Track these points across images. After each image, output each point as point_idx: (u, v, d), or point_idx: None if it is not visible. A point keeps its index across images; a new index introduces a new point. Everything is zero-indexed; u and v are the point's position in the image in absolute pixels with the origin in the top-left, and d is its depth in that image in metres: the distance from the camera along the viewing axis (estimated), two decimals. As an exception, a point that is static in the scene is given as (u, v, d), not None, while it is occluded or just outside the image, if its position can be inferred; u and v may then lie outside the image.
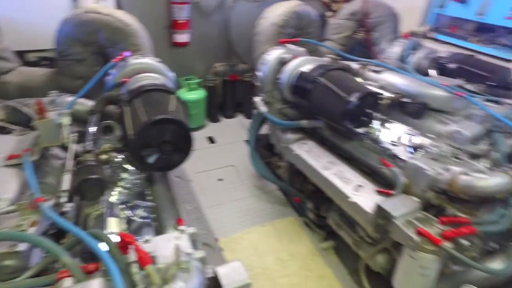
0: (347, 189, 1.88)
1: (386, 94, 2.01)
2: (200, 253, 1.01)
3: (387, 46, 3.04)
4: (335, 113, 1.85)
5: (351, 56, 2.46)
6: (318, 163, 2.13)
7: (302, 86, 2.05)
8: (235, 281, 1.13)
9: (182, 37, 3.48)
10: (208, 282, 1.13)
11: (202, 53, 3.83)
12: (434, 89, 1.94)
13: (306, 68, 2.10)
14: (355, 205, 1.80)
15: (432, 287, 1.48)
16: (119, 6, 3.00)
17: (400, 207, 1.52)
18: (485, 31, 3.09)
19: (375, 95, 1.88)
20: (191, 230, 1.09)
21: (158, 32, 3.39)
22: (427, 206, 1.62)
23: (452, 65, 2.52)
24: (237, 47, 3.83)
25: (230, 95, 4.03)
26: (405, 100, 1.90)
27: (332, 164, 2.08)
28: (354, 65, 2.35)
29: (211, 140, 3.77)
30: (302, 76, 2.06)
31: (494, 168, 1.39)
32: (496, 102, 1.96)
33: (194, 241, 1.08)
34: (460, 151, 1.57)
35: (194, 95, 3.66)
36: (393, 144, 1.87)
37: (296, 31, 2.94)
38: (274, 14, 2.83)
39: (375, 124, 2.01)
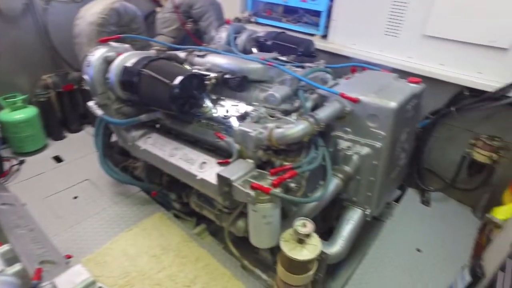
0: (193, 169, 1.97)
1: (212, 74, 2.17)
2: (15, 268, 0.93)
3: (215, 33, 3.24)
4: (164, 100, 1.89)
5: (178, 46, 2.54)
6: (164, 152, 2.17)
7: (129, 80, 2.02)
8: (76, 284, 1.08)
9: (-16, 49, 2.99)
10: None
11: (21, 65, 3.36)
12: (252, 63, 2.18)
13: (130, 62, 2.08)
14: (203, 181, 1.91)
15: (278, 231, 1.69)
16: None
17: (237, 171, 1.68)
18: (292, 12, 3.59)
19: (199, 76, 2.00)
20: (3, 248, 0.98)
21: None
22: (262, 164, 1.84)
23: (268, 42, 2.85)
24: (63, 53, 3.50)
25: (70, 108, 3.68)
26: (227, 76, 2.08)
27: (177, 150, 2.14)
28: (181, 54, 2.45)
29: (57, 159, 3.39)
30: (126, 70, 2.04)
31: (299, 118, 1.66)
32: (302, 67, 2.32)
33: (10, 258, 0.98)
34: (275, 111, 1.81)
35: (22, 114, 3.21)
36: (225, 117, 2.03)
37: (119, 29, 2.85)
38: (90, 13, 2.68)
39: (208, 103, 2.14)
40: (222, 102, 2.19)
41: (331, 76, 2.18)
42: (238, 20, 3.65)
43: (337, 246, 1.94)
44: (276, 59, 2.48)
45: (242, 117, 1.95)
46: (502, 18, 2.23)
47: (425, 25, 2.54)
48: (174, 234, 2.54)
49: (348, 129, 1.86)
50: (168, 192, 2.66)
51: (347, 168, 1.86)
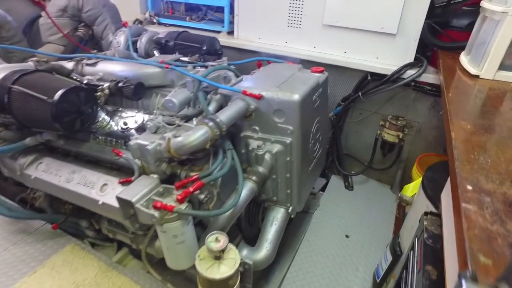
0: (93, 193, 1.73)
1: (105, 84, 1.93)
2: None
3: (112, 38, 2.95)
4: (45, 119, 1.62)
5: (62, 55, 2.25)
6: (60, 178, 1.88)
7: (-3, 100, 1.70)
8: None
9: None
10: None
11: None
12: (148, 67, 1.99)
13: (-3, 78, 1.75)
14: (105, 206, 1.68)
15: (195, 247, 1.54)
16: None
17: (139, 190, 1.49)
18: (195, 10, 3.44)
19: (86, 89, 1.75)
20: None
21: None
22: (171, 177, 1.68)
23: (170, 43, 2.67)
24: None
25: None
26: (121, 84, 1.86)
27: (75, 174, 1.87)
28: (68, 64, 2.16)
29: None
30: (-8, 89, 1.71)
31: (198, 123, 1.51)
32: (205, 67, 2.19)
33: None
34: (174, 118, 1.65)
35: None
36: (123, 131, 1.82)
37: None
38: None
39: (104, 116, 1.90)
40: (121, 114, 1.96)
41: (234, 73, 2.07)
42: (139, 21, 3.40)
43: (264, 250, 1.86)
44: (178, 60, 2.32)
45: (141, 129, 1.76)
46: (387, 5, 2.33)
47: (323, 15, 2.57)
48: (90, 266, 2.25)
49: (257, 128, 1.77)
50: (78, 220, 2.36)
51: (261, 169, 1.77)
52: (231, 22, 3.08)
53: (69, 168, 1.93)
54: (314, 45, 2.74)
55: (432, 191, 1.56)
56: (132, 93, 1.82)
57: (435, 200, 1.52)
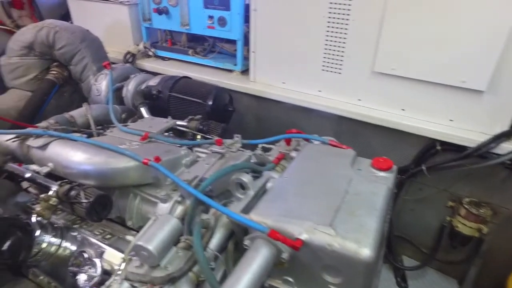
0: None
1: (53, 188, 1.25)
2: None
3: (93, 82, 2.28)
4: None
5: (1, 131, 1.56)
6: None
7: None
8: None
9: None
10: None
11: None
12: (119, 159, 1.30)
13: None
14: None
15: None
16: None
17: None
18: (200, 40, 2.75)
19: (12, 219, 1.07)
20: None
21: None
22: None
23: (163, 95, 1.99)
24: None
25: None
26: (72, 194, 1.17)
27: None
28: (10, 142, 1.49)
29: None
30: None
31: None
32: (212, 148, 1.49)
33: None
34: (149, 286, 0.94)
35: None
36: (74, 273, 1.12)
37: None
38: None
39: (50, 239, 1.22)
40: (79, 230, 1.28)
41: (253, 169, 1.31)
42: (131, 55, 2.72)
43: None
44: (171, 130, 1.64)
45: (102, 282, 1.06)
46: (474, 50, 1.59)
47: (375, 59, 1.85)
48: None
49: (291, 280, 1.06)
50: None
51: None
52: (246, 58, 2.38)
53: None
54: (359, 98, 2.01)
55: None
56: (86, 214, 1.12)
57: None
